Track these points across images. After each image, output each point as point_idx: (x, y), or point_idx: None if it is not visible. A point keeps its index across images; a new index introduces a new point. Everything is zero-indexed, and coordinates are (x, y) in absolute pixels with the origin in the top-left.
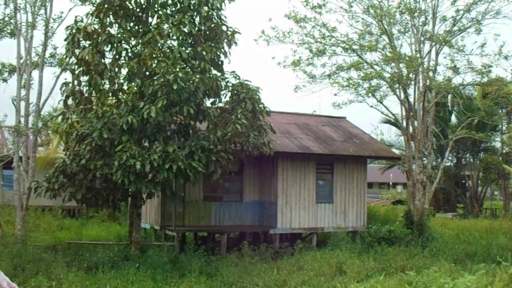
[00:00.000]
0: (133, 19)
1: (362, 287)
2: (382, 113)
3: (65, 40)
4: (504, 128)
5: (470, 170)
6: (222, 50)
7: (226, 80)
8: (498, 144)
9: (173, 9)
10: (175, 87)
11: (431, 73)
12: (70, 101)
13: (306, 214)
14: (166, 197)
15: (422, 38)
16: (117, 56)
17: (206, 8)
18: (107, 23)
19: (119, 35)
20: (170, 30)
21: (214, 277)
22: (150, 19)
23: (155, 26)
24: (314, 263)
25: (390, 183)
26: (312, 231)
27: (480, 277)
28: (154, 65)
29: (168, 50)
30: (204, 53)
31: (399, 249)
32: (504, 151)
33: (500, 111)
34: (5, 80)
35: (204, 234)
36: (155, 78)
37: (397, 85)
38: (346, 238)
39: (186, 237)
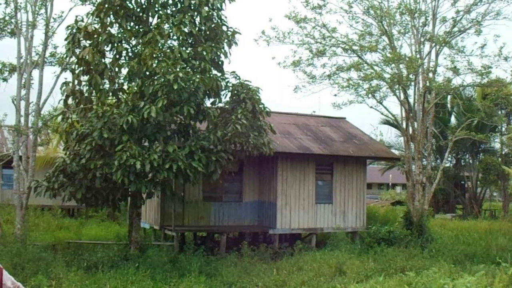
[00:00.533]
0: (134, 19)
1: (362, 287)
2: (382, 113)
3: (66, 39)
4: (503, 129)
5: (470, 171)
6: (223, 50)
7: (226, 80)
8: (497, 145)
9: (174, 9)
10: (175, 87)
11: (431, 74)
12: (70, 101)
13: (306, 215)
14: (166, 197)
15: (422, 39)
16: (117, 56)
17: (206, 8)
18: (108, 23)
19: (119, 35)
20: (170, 30)
21: (213, 277)
22: (150, 19)
23: (156, 26)
24: (313, 264)
25: (389, 184)
26: (311, 232)
27: (480, 278)
28: (154, 65)
29: (168, 50)
30: (204, 53)
31: (398, 249)
32: (503, 152)
33: (499, 112)
34: (5, 80)
35: (204, 234)
36: (155, 78)
37: (397, 86)
38: (346, 238)
39: (185, 237)
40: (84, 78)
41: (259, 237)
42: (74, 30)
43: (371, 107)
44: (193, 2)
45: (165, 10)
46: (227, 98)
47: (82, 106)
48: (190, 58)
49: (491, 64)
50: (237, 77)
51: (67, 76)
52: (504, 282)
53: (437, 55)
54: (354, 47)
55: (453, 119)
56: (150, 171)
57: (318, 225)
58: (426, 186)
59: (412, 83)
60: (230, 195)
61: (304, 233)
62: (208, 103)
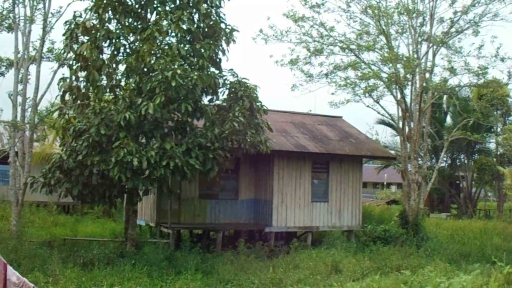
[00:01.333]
0: (132, 15)
1: (358, 286)
2: (379, 113)
3: (63, 35)
4: (499, 129)
5: (465, 171)
6: (221, 47)
7: (224, 77)
8: (492, 146)
9: (172, 6)
10: (173, 84)
11: (428, 74)
12: (67, 97)
13: (302, 213)
14: (162, 194)
15: (419, 39)
16: (115, 52)
17: (205, 6)
18: (106, 19)
19: (117, 31)
20: (169, 27)
21: (210, 275)
22: (149, 16)
23: (154, 23)
24: (309, 262)
25: (384, 183)
26: (307, 230)
27: (475, 277)
28: (152, 61)
29: (166, 47)
30: (202, 50)
31: (394, 248)
32: (498, 152)
33: (495, 112)
34: (2, 74)
35: (199, 231)
36: (153, 74)
37: (394, 85)
38: (341, 237)
39: (181, 235)
40: (82, 74)
41: (255, 235)
42: (72, 26)
43: (367, 106)
44: None
45: (163, 7)
46: (225, 96)
47: (79, 102)
48: (188, 55)
49: (487, 65)
50: (235, 75)
51: (65, 71)
52: (499, 281)
53: (434, 55)
54: (352, 46)
55: (448, 119)
56: (147, 168)
57: (314, 223)
58: (421, 186)
59: (409, 83)
60: (226, 193)
61: (300, 231)
62: (205, 100)
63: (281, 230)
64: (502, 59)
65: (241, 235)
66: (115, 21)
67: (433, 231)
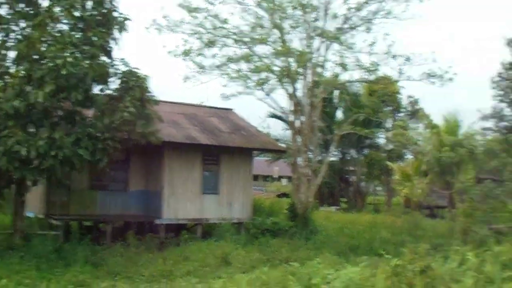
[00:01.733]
0: (24, 0)
1: (247, 278)
2: (270, 106)
3: None
4: (389, 125)
5: (355, 165)
6: (113, 36)
7: (116, 67)
8: (382, 141)
9: None
10: (63, 72)
11: (319, 69)
12: None
13: (192, 205)
14: (51, 185)
15: (312, 34)
16: (5, 38)
17: None
18: None
19: (8, 16)
20: (61, 14)
21: (99, 267)
22: (40, 1)
23: (46, 9)
24: (199, 254)
25: (275, 176)
26: (197, 222)
27: (363, 269)
28: (43, 48)
29: (58, 34)
30: (95, 38)
31: (283, 241)
32: (387, 148)
33: (385, 108)
34: None
35: (89, 223)
36: (43, 62)
37: (286, 79)
38: (231, 229)
39: (71, 227)
40: None
41: (145, 227)
42: None
43: (259, 99)
44: None
45: None
46: (116, 85)
47: None
48: (80, 43)
49: (379, 62)
50: (126, 64)
51: None
52: (386, 273)
53: (326, 50)
54: (245, 39)
55: (340, 114)
56: (36, 158)
57: (204, 215)
58: (311, 179)
59: (301, 77)
60: (116, 184)
61: (190, 224)
62: (96, 89)
63: (171, 222)
64: (394, 56)
65: (131, 227)
66: (7, 6)
67: (322, 224)
